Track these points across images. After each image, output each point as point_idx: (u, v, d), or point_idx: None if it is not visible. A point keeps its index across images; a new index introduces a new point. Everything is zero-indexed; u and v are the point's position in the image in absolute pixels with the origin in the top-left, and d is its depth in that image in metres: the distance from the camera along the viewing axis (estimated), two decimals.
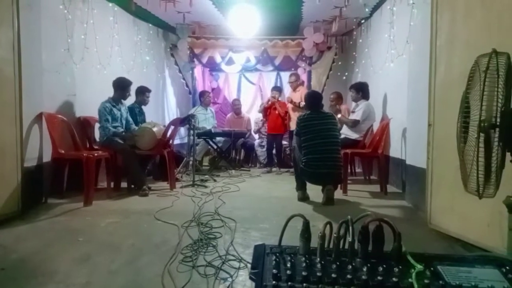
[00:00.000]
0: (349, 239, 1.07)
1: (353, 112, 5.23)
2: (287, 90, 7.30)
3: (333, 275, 0.94)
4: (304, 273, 0.94)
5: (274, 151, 6.62)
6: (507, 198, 1.53)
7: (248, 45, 7.14)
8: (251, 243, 2.38)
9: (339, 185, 4.10)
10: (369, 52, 6.00)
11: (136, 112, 5.07)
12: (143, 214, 3.30)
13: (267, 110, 6.62)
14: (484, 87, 1.44)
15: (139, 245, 2.46)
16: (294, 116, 5.58)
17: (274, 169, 6.44)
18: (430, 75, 2.83)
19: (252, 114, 7.85)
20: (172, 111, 7.72)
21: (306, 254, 1.07)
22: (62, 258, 2.25)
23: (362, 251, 1.07)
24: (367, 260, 1.04)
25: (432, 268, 1.00)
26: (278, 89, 6.75)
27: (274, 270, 0.96)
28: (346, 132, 5.08)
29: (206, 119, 6.72)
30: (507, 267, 1.01)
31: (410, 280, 0.93)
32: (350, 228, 1.07)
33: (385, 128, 4.54)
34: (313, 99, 4.08)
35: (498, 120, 1.45)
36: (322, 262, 1.03)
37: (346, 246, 1.09)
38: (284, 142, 6.85)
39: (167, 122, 6.39)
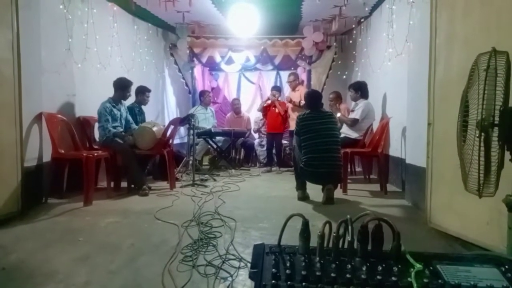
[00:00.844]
0: (348, 238, 1.07)
1: (352, 111, 5.23)
2: (286, 90, 7.30)
3: (333, 275, 0.94)
4: (303, 273, 0.93)
5: (274, 151, 6.62)
6: (506, 197, 1.53)
7: (247, 45, 7.14)
8: (251, 243, 2.39)
9: (339, 185, 4.10)
10: (368, 51, 6.01)
11: (136, 112, 5.07)
12: (143, 214, 3.30)
13: (266, 109, 6.62)
14: (485, 86, 1.45)
15: (139, 245, 2.47)
16: (294, 116, 5.58)
17: (274, 168, 6.44)
18: (429, 74, 2.83)
19: (252, 114, 7.85)
20: (171, 111, 7.71)
21: (305, 254, 1.07)
22: (62, 258, 2.25)
23: (362, 250, 1.07)
24: (367, 259, 1.04)
25: (431, 267, 1.00)
26: (277, 88, 6.75)
27: (273, 270, 0.96)
28: (346, 131, 5.08)
29: (206, 118, 6.71)
30: (506, 266, 1.01)
31: (409, 279, 0.93)
32: (350, 227, 1.07)
33: (384, 127, 4.54)
34: (313, 98, 4.08)
35: (498, 119, 1.46)
36: (322, 261, 1.03)
37: (346, 246, 1.09)
38: (284, 142, 6.85)
39: (166, 121, 6.39)
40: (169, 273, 1.98)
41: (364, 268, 0.99)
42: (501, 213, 1.76)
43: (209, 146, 6.80)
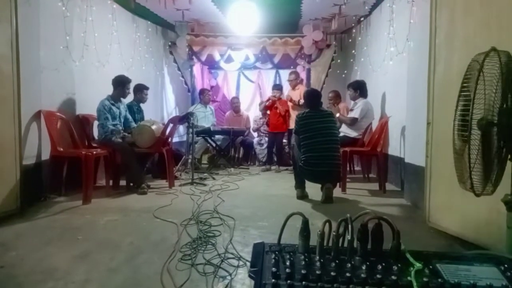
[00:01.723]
0: (348, 237, 1.07)
1: (351, 110, 5.24)
2: (286, 88, 7.28)
3: (332, 273, 0.94)
4: (303, 271, 0.94)
5: (274, 150, 6.61)
6: (505, 196, 1.53)
7: (247, 43, 7.13)
8: (250, 241, 2.39)
9: (338, 183, 4.10)
10: (368, 50, 6.00)
11: (135, 110, 5.07)
12: (142, 212, 3.30)
13: (267, 109, 6.61)
14: (477, 85, 1.44)
15: (138, 243, 2.47)
16: (294, 115, 5.57)
17: (273, 167, 6.43)
18: (429, 73, 2.83)
19: (251, 112, 7.84)
20: (171, 109, 7.70)
21: (305, 252, 1.08)
22: (61, 255, 2.25)
23: (361, 249, 1.07)
24: (366, 258, 1.04)
25: (431, 266, 1.00)
26: (279, 87, 6.69)
27: (273, 268, 0.96)
28: (345, 130, 5.09)
29: (205, 117, 6.71)
30: (506, 265, 1.02)
31: (409, 278, 0.93)
32: (349, 226, 1.07)
33: (384, 126, 4.54)
34: (312, 97, 4.08)
35: (496, 118, 1.46)
36: (321, 260, 1.03)
37: (345, 244, 1.09)
38: (283, 140, 6.85)
39: (166, 120, 6.38)
40: (168, 271, 1.98)
41: (364, 267, 0.99)
42: (500, 212, 1.76)
43: (208, 145, 6.80)
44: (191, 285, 1.84)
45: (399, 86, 4.34)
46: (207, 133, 6.35)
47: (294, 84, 6.35)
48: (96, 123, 4.45)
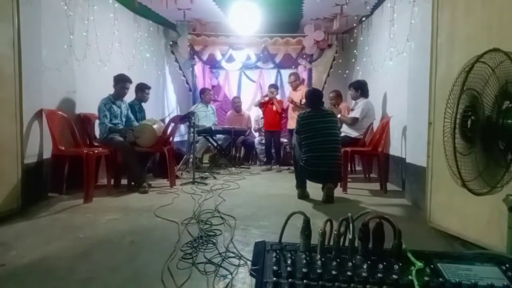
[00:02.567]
0: (349, 236, 1.07)
1: (352, 110, 5.23)
2: (287, 90, 7.29)
3: (333, 272, 0.94)
4: (304, 270, 0.94)
5: (273, 149, 6.61)
6: (506, 196, 1.53)
7: (248, 43, 7.13)
8: (251, 241, 2.39)
9: (339, 183, 4.10)
10: (369, 50, 6.00)
11: (136, 109, 5.07)
12: (143, 211, 3.30)
13: (263, 106, 6.60)
14: (462, 86, 1.44)
15: (139, 242, 2.47)
16: (295, 115, 5.56)
17: (274, 166, 6.44)
18: (430, 73, 2.82)
19: (252, 112, 7.85)
20: (172, 109, 7.70)
21: (306, 251, 1.08)
22: (63, 254, 2.25)
23: (362, 248, 1.07)
24: (367, 257, 1.04)
25: (432, 266, 1.00)
26: (275, 86, 6.71)
27: (274, 267, 0.96)
28: (346, 130, 5.09)
29: (206, 116, 6.71)
30: (507, 265, 1.01)
31: (410, 277, 0.93)
32: (351, 225, 1.07)
33: (385, 126, 4.54)
34: (314, 97, 4.08)
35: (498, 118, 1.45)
36: (323, 259, 1.03)
37: (347, 244, 1.09)
38: (284, 140, 6.84)
39: (167, 119, 6.38)
40: (169, 270, 1.98)
41: (365, 266, 0.99)
42: (501, 212, 1.76)
43: (209, 144, 6.80)
44: (192, 284, 1.84)
45: (400, 86, 4.34)
46: (208, 132, 6.35)
47: (295, 85, 6.34)
48: (97, 122, 4.46)
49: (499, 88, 1.46)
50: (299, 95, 6.09)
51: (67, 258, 2.18)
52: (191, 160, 5.49)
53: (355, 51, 6.94)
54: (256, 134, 7.53)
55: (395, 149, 4.72)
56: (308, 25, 6.85)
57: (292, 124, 5.92)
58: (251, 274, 0.98)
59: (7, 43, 3.09)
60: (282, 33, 7.04)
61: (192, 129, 5.25)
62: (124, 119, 4.62)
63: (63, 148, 3.86)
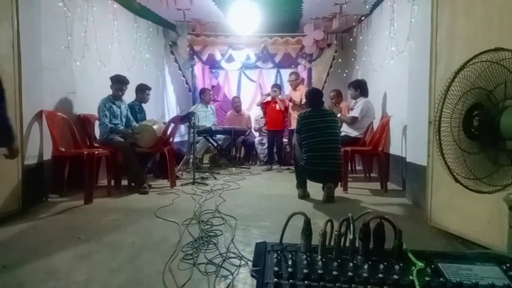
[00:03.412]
0: (350, 236, 1.07)
1: (351, 109, 5.23)
2: (287, 89, 7.28)
3: (334, 273, 0.94)
4: (305, 271, 0.94)
5: (274, 149, 6.60)
6: (507, 195, 1.53)
7: (248, 42, 7.13)
8: (252, 241, 2.40)
9: (339, 183, 4.10)
10: (369, 49, 6.00)
11: (136, 110, 5.07)
12: (144, 212, 3.30)
13: (266, 105, 6.60)
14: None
15: (139, 243, 2.47)
16: (295, 115, 5.56)
17: (274, 166, 6.43)
18: (430, 72, 2.82)
19: (252, 112, 7.84)
20: (172, 109, 7.71)
21: (307, 252, 1.07)
22: (63, 255, 2.25)
23: (363, 248, 1.07)
24: (368, 257, 1.04)
25: (433, 266, 1.00)
26: (278, 86, 6.72)
27: (275, 268, 0.96)
28: (346, 129, 5.08)
29: (206, 116, 6.71)
30: (508, 265, 1.01)
31: (411, 277, 0.93)
32: (351, 225, 1.07)
33: (385, 125, 4.54)
34: (314, 96, 4.08)
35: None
36: (323, 259, 1.03)
37: (347, 244, 1.09)
38: (284, 140, 6.84)
39: (167, 119, 6.39)
40: (170, 271, 1.99)
41: (365, 266, 0.99)
42: (502, 212, 1.76)
43: (210, 144, 6.80)
44: (193, 284, 1.85)
45: (400, 85, 4.33)
46: (208, 132, 6.35)
47: (295, 84, 6.34)
48: (97, 123, 4.46)
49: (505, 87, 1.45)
50: (299, 95, 6.09)
51: (68, 259, 2.19)
52: (191, 160, 5.49)
53: (354, 50, 6.94)
54: (257, 134, 7.53)
55: (395, 149, 4.72)
56: (308, 24, 6.85)
57: (293, 123, 5.92)
58: (252, 275, 0.98)
59: (7, 44, 3.09)
60: (282, 32, 7.04)
61: (192, 130, 5.24)
62: (124, 120, 4.62)
63: (63, 149, 3.86)
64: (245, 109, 7.71)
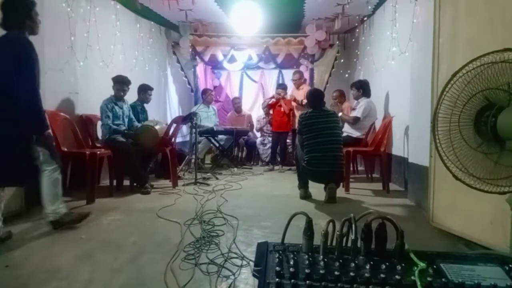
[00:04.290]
0: (352, 237, 1.07)
1: (354, 109, 5.23)
2: (290, 88, 7.28)
3: (336, 273, 0.94)
4: (307, 271, 0.94)
5: (278, 150, 6.60)
6: (509, 196, 1.53)
7: (250, 43, 7.13)
8: (254, 241, 2.40)
9: (341, 183, 4.09)
10: (371, 50, 5.99)
11: (138, 110, 5.08)
12: (146, 212, 3.31)
13: (271, 107, 6.61)
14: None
15: (141, 243, 2.47)
16: (297, 114, 5.57)
17: (276, 167, 6.43)
18: (432, 73, 2.82)
19: (254, 112, 7.84)
20: (174, 109, 7.72)
21: (309, 252, 1.08)
22: (65, 255, 2.26)
23: (365, 249, 1.07)
24: (370, 258, 1.04)
25: (435, 266, 1.00)
26: (283, 86, 6.68)
27: (277, 268, 0.96)
28: (348, 130, 5.07)
29: (208, 117, 6.72)
30: (510, 265, 1.01)
31: (413, 277, 0.93)
32: (353, 226, 1.07)
33: (387, 126, 4.53)
34: (315, 97, 4.07)
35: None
36: (325, 259, 1.03)
37: (349, 244, 1.09)
38: (287, 140, 6.83)
39: (169, 120, 6.39)
40: (171, 271, 1.99)
41: (367, 267, 0.99)
42: (504, 212, 1.75)
43: (211, 145, 6.81)
44: (194, 284, 1.85)
45: (402, 85, 4.33)
46: (210, 133, 6.36)
47: (298, 84, 6.33)
48: (99, 123, 4.46)
49: None
50: (302, 94, 6.08)
51: (70, 259, 2.19)
52: (193, 160, 5.50)
53: (357, 50, 6.93)
54: (258, 134, 7.53)
55: (397, 149, 4.71)
56: (310, 25, 6.85)
57: (295, 124, 5.91)
58: (253, 275, 0.98)
59: None
60: (284, 33, 7.04)
61: (194, 130, 5.25)
62: (126, 120, 4.62)
63: (66, 149, 3.87)
64: (246, 110, 7.71)
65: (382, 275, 0.93)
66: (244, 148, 7.29)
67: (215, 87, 8.09)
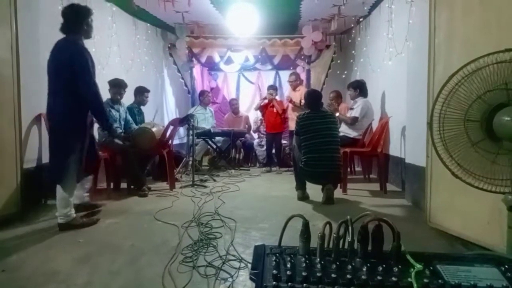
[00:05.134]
0: (348, 239, 1.07)
1: (351, 109, 5.23)
2: (286, 89, 7.30)
3: (333, 275, 0.94)
4: (304, 273, 0.94)
5: (273, 151, 6.60)
6: (505, 196, 1.53)
7: (246, 44, 7.13)
8: (251, 243, 2.39)
9: (338, 184, 4.10)
10: (367, 51, 6.01)
11: (135, 112, 5.06)
12: (143, 215, 3.30)
13: (264, 108, 6.61)
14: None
15: (139, 246, 2.47)
16: (294, 116, 5.56)
17: (273, 168, 6.43)
18: (428, 73, 2.83)
19: (251, 113, 7.85)
20: (171, 111, 7.71)
21: (306, 254, 1.08)
22: (63, 258, 2.25)
23: (362, 251, 1.07)
24: (367, 260, 1.04)
25: (431, 267, 1.00)
26: (274, 87, 6.71)
27: (274, 271, 0.96)
28: (345, 130, 5.07)
29: (205, 118, 6.71)
30: (506, 266, 1.02)
31: (409, 279, 0.93)
32: (350, 228, 1.08)
33: (384, 126, 4.54)
34: (313, 98, 4.08)
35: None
36: (322, 262, 1.03)
37: (346, 246, 1.09)
38: (283, 142, 6.84)
39: (166, 122, 6.38)
40: (169, 274, 1.98)
41: (364, 269, 0.99)
42: (501, 212, 1.76)
43: (209, 147, 6.80)
44: (192, 287, 1.84)
45: (399, 86, 4.34)
46: (207, 134, 6.35)
47: (294, 85, 6.35)
48: (96, 126, 4.44)
49: None
50: (298, 96, 6.09)
51: (67, 262, 2.18)
52: (190, 162, 5.49)
53: (353, 51, 6.95)
54: (255, 136, 7.53)
55: (394, 150, 4.72)
56: (306, 26, 6.86)
57: (292, 125, 5.92)
58: (251, 279, 0.98)
59: (5, 47, 3.09)
60: (280, 34, 7.04)
61: (191, 132, 5.24)
62: (123, 123, 4.61)
63: None
64: (243, 111, 7.71)
65: (379, 277, 0.93)
66: (242, 150, 7.28)
67: (212, 88, 8.08)
